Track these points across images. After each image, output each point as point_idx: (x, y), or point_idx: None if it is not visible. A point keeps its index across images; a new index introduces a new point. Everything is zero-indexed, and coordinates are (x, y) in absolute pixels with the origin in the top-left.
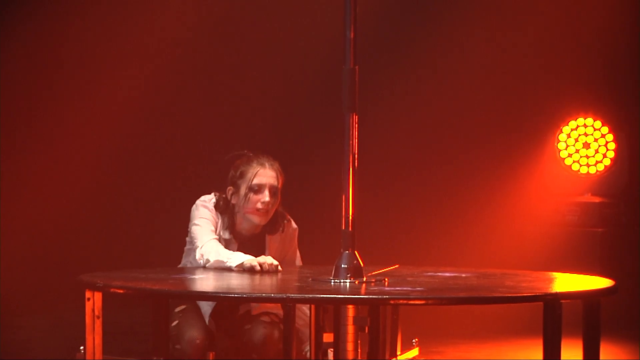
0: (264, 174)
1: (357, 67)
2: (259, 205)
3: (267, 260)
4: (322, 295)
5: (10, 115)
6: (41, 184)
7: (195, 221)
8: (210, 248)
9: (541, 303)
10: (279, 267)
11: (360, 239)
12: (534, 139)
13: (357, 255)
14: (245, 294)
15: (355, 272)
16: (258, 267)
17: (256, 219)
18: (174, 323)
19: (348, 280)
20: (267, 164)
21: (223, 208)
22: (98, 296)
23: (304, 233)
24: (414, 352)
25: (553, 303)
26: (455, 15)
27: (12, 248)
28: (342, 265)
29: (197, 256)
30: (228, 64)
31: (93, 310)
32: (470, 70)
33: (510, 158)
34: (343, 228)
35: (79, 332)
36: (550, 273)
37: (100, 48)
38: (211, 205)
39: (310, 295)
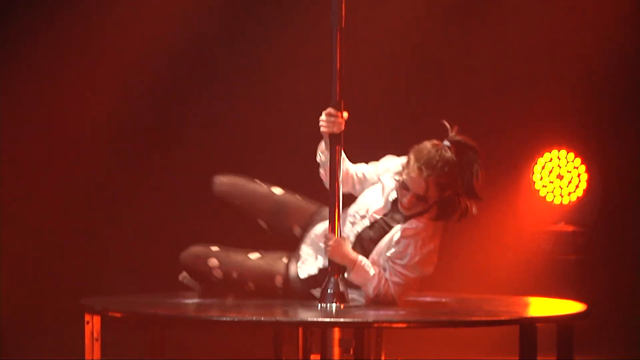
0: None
1: (342, 101)
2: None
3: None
4: (309, 319)
5: None
6: (42, 203)
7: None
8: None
9: (518, 326)
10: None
11: None
12: (510, 170)
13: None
14: (236, 318)
15: (341, 297)
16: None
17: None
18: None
19: (334, 304)
20: (424, 171)
21: None
22: (97, 319)
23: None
24: None
25: (529, 326)
26: (432, 48)
27: (12, 268)
28: (329, 291)
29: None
30: (233, 64)
31: (92, 333)
32: (447, 104)
33: (487, 189)
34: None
35: (78, 354)
36: (526, 298)
37: (101, 48)
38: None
39: (298, 319)
